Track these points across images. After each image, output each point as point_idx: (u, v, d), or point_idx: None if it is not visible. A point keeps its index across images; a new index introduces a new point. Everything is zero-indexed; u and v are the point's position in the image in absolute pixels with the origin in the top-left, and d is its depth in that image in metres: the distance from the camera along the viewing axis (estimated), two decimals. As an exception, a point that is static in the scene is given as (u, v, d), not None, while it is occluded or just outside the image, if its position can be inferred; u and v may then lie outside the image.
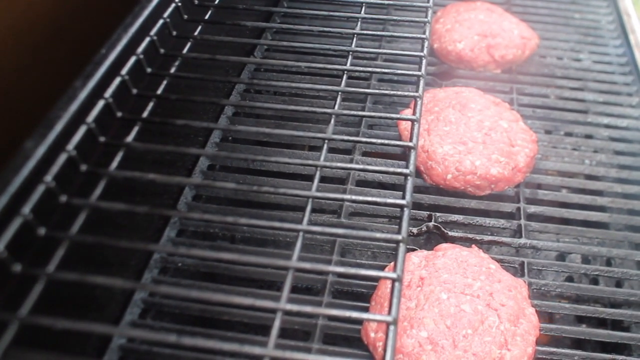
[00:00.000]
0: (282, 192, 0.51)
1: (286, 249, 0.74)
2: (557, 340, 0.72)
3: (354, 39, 0.67)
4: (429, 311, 0.60)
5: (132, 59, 0.58)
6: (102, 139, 0.52)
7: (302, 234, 0.48)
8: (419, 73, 0.62)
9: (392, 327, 0.42)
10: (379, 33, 0.74)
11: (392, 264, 0.66)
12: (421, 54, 0.65)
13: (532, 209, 0.79)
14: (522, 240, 0.75)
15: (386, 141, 0.58)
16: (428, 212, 0.77)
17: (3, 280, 0.42)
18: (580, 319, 0.80)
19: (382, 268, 0.69)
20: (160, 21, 0.63)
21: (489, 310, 0.61)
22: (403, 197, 0.51)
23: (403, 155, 0.84)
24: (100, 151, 0.52)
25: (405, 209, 0.50)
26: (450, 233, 0.75)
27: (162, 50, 0.62)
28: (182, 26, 0.65)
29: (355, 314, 0.44)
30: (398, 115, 0.63)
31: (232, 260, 0.48)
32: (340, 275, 0.69)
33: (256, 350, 0.40)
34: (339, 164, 0.55)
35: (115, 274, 0.65)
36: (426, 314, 0.60)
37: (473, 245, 0.70)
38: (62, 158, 0.48)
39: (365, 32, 0.69)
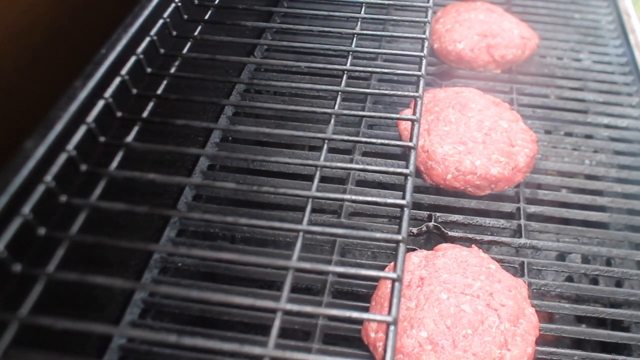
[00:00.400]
0: (282, 192, 0.51)
1: (286, 249, 0.74)
2: (557, 340, 0.72)
3: (354, 39, 0.67)
4: (429, 311, 0.60)
5: (132, 59, 0.58)
6: (102, 139, 0.52)
7: (302, 234, 0.48)
8: (419, 73, 0.62)
9: (392, 327, 0.42)
10: (379, 33, 0.74)
11: (392, 264, 0.66)
12: (421, 54, 0.65)
13: (532, 209, 0.79)
14: (522, 240, 0.75)
15: (386, 141, 0.58)
16: (428, 212, 0.77)
17: (3, 280, 0.42)
18: (580, 319, 0.80)
19: (382, 268, 0.69)
20: (160, 21, 0.63)
21: (488, 310, 0.61)
22: (403, 197, 0.51)
23: (403, 155, 0.84)
24: (100, 151, 0.52)
25: (405, 209, 0.50)
26: (450, 233, 0.75)
27: (162, 50, 0.62)
28: (182, 26, 0.65)
29: (355, 314, 0.44)
30: (398, 115, 0.63)
31: (232, 260, 0.48)
32: (340, 275, 0.69)
33: (256, 350, 0.40)
34: (339, 164, 0.55)
35: (115, 274, 0.65)
36: (426, 314, 0.60)
37: (473, 245, 0.70)
38: (62, 158, 0.48)
39: (365, 32, 0.69)
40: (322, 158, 0.55)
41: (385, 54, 0.96)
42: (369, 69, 0.69)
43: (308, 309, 0.44)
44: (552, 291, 0.72)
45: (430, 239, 0.77)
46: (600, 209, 0.83)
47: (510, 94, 0.95)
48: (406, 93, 0.62)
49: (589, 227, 0.79)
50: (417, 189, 0.81)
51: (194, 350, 0.60)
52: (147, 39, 0.60)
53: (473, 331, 0.59)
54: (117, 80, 0.55)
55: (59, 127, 0.48)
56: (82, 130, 0.50)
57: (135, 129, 0.54)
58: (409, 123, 0.80)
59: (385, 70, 0.66)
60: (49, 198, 0.46)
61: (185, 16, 0.66)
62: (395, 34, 0.70)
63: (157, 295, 0.67)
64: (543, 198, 0.82)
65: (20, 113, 0.57)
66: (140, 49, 0.59)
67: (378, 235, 0.53)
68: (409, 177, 0.52)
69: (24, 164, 0.45)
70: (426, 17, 0.70)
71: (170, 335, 0.41)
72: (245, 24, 0.71)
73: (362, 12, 0.70)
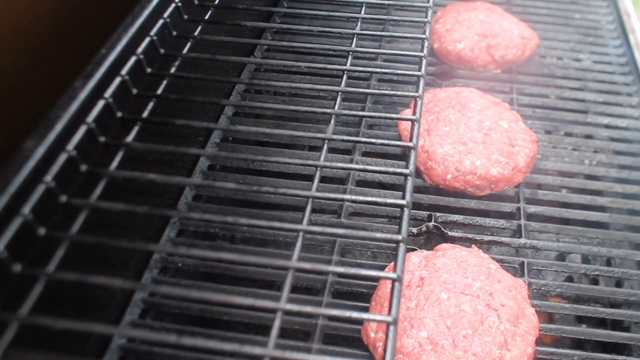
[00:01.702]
0: (282, 192, 0.51)
1: (286, 249, 0.74)
2: (557, 340, 0.72)
3: (354, 39, 0.67)
4: (429, 311, 0.60)
5: (132, 59, 0.58)
6: (102, 139, 0.52)
7: (302, 234, 0.48)
8: (419, 73, 0.63)
9: (392, 327, 0.42)
10: (379, 33, 0.74)
11: (392, 264, 0.66)
12: (421, 54, 0.65)
13: (532, 209, 0.79)
14: (522, 240, 0.75)
15: (386, 141, 0.58)
16: (428, 212, 0.77)
17: (3, 280, 0.42)
18: (580, 319, 0.80)
19: (382, 268, 0.69)
20: (160, 21, 0.63)
21: (488, 310, 0.61)
22: (403, 197, 0.51)
23: (403, 155, 0.84)
24: (100, 151, 0.52)
25: (405, 209, 0.50)
26: (450, 233, 0.75)
27: (162, 50, 0.62)
28: (182, 26, 0.65)
29: (355, 314, 0.44)
30: (398, 115, 0.63)
31: (232, 260, 0.48)
32: (340, 275, 0.69)
33: (256, 350, 0.40)
34: (339, 164, 0.55)
35: (115, 274, 0.65)
36: (426, 314, 0.60)
37: (473, 245, 0.70)
38: (62, 158, 0.48)
39: (365, 32, 0.69)
40: (322, 158, 0.55)
41: (385, 54, 0.96)
42: (369, 69, 0.69)
43: (308, 309, 0.44)
44: (552, 291, 0.72)
45: (430, 239, 0.77)
46: (600, 209, 0.83)
47: (510, 94, 0.95)
48: (406, 93, 0.62)
49: (589, 227, 0.79)
50: (417, 189, 0.81)
51: (194, 350, 0.60)
52: (147, 39, 0.60)
53: (473, 331, 0.59)
54: (117, 80, 0.55)
55: (59, 127, 0.48)
56: (82, 130, 0.50)
57: (135, 129, 0.54)
58: (409, 123, 0.80)
59: (385, 70, 0.66)
60: (49, 198, 0.46)
61: (185, 16, 0.66)
62: (395, 34, 0.70)
63: (157, 295, 0.67)
64: (543, 198, 0.82)
65: (20, 113, 0.57)
66: (140, 49, 0.59)
67: (378, 235, 0.53)
68: (409, 177, 0.52)
69: (24, 164, 0.45)
70: (426, 17, 0.70)
71: (170, 335, 0.41)
72: (245, 24, 0.71)
73: (362, 12, 0.70)
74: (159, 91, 0.59)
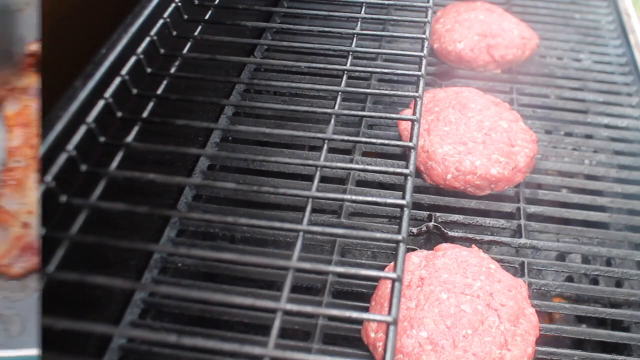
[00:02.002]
0: (282, 192, 0.51)
1: (286, 249, 0.74)
2: (557, 340, 0.72)
3: (354, 39, 0.67)
4: (429, 311, 0.60)
5: (132, 59, 0.58)
6: (102, 139, 0.52)
7: (302, 234, 0.48)
8: (419, 73, 0.63)
9: (392, 327, 0.42)
10: (379, 33, 0.74)
11: (392, 264, 0.66)
12: (421, 54, 0.65)
13: (532, 209, 0.79)
14: (522, 240, 0.75)
15: (386, 141, 0.58)
16: (428, 212, 0.77)
17: (3, 280, 0.42)
18: (580, 319, 0.79)
19: (382, 268, 0.69)
20: (160, 21, 0.63)
21: (489, 310, 0.61)
22: (403, 197, 0.51)
23: (403, 155, 0.84)
24: (100, 151, 0.52)
25: (405, 209, 0.50)
26: (450, 233, 0.75)
27: (162, 50, 0.62)
28: (182, 26, 0.65)
29: (355, 314, 0.44)
30: (398, 115, 0.63)
31: (232, 260, 0.48)
32: (340, 275, 0.69)
33: (256, 350, 0.40)
34: (339, 164, 0.55)
35: (115, 274, 0.65)
36: (426, 314, 0.60)
37: (473, 245, 0.70)
38: (62, 158, 0.48)
39: (365, 32, 0.69)
40: (322, 158, 0.55)
41: (385, 54, 0.96)
42: (369, 69, 0.69)
43: (308, 309, 0.44)
44: (552, 291, 0.72)
45: (430, 239, 0.77)
46: (600, 209, 0.83)
47: (510, 94, 0.95)
48: (406, 93, 0.62)
49: (589, 227, 0.79)
50: (417, 189, 0.81)
51: (194, 350, 0.60)
52: (147, 39, 0.60)
53: (473, 331, 0.59)
54: (117, 80, 0.55)
55: (59, 127, 0.48)
56: (82, 130, 0.50)
57: (135, 129, 0.54)
58: (409, 123, 0.80)
59: (385, 70, 0.66)
60: (49, 198, 0.46)
61: (185, 16, 0.66)
62: (395, 34, 0.70)
63: (157, 295, 0.67)
64: (543, 198, 0.82)
65: (20, 113, 0.57)
66: (140, 49, 0.59)
67: (378, 235, 0.53)
68: (409, 177, 0.52)
69: (24, 164, 0.45)
70: (426, 17, 0.70)
71: (170, 335, 0.41)
72: (245, 24, 0.71)
73: (362, 12, 0.70)
74: (159, 91, 0.59)
